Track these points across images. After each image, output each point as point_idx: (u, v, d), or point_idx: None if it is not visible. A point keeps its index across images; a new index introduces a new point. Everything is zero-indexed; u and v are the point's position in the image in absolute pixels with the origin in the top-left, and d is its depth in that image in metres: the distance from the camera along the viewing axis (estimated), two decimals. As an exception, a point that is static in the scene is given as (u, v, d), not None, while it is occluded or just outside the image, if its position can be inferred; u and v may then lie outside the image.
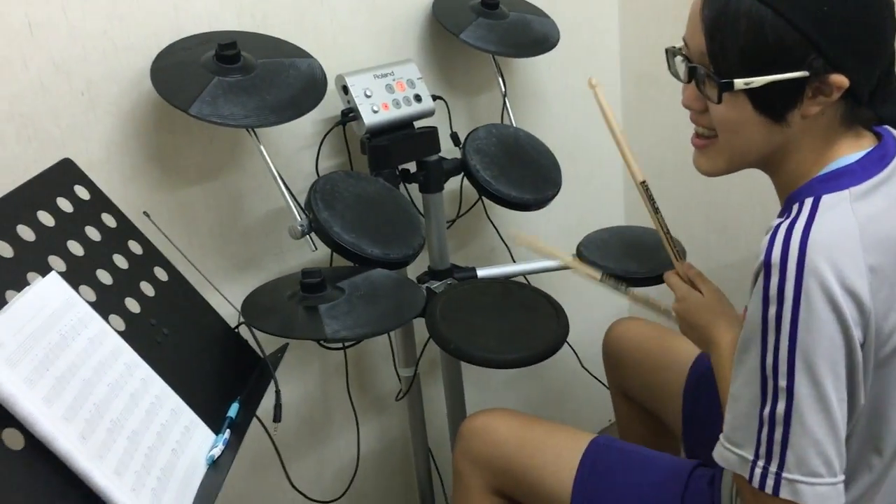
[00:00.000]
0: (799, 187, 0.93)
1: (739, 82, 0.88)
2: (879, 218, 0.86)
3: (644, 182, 1.14)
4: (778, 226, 0.87)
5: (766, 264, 0.84)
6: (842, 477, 0.85)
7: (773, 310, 0.83)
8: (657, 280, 1.45)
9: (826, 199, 0.88)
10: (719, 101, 0.91)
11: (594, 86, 1.13)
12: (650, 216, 1.16)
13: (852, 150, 0.91)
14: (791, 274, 0.82)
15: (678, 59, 0.96)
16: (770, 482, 0.85)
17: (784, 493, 0.84)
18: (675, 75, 0.98)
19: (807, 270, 0.82)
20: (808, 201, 0.88)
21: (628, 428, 1.54)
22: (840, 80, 0.86)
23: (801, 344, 0.82)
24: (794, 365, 0.83)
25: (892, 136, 0.95)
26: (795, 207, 0.89)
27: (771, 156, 0.94)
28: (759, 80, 0.87)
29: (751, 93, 0.88)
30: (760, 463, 0.86)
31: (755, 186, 1.00)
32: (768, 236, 0.86)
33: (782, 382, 0.83)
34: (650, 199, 1.14)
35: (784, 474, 0.84)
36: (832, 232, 0.84)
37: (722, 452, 0.91)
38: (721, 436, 0.91)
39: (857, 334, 0.83)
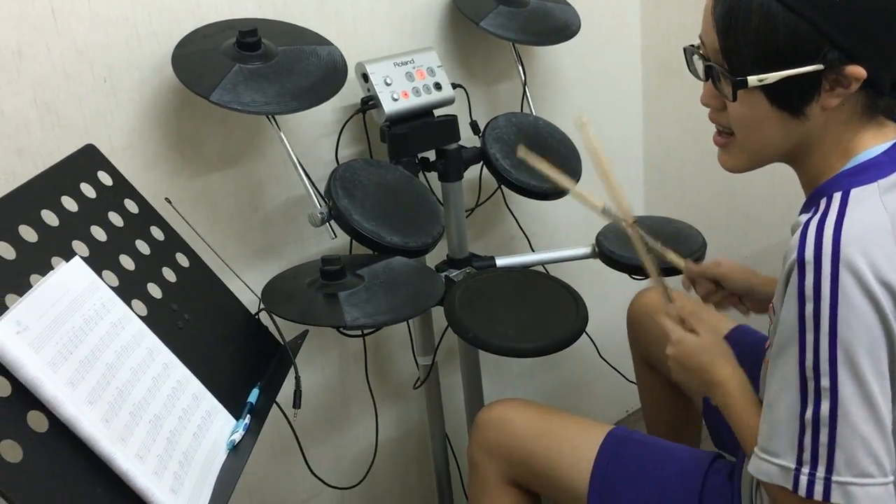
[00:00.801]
0: (825, 182, 0.91)
1: (753, 79, 0.87)
2: None
3: (636, 221, 1.13)
4: (808, 222, 0.85)
5: (800, 262, 0.83)
6: (892, 478, 0.83)
7: (809, 308, 0.82)
8: (676, 271, 1.44)
9: (855, 193, 0.86)
10: (734, 98, 0.90)
11: (584, 124, 1.10)
12: (642, 256, 1.13)
13: (877, 142, 0.90)
14: (826, 270, 0.81)
15: (696, 57, 0.96)
16: (819, 488, 0.82)
17: (835, 498, 0.82)
18: (695, 74, 0.98)
19: (842, 266, 0.80)
20: (837, 196, 0.87)
21: (652, 402, 1.54)
22: (857, 70, 0.85)
23: (842, 341, 0.80)
24: (835, 363, 0.81)
25: None
26: (823, 202, 0.88)
27: (794, 150, 0.93)
28: (773, 76, 0.86)
29: (766, 89, 0.88)
30: (805, 469, 0.84)
31: (778, 177, 0.99)
32: (798, 233, 0.85)
33: (825, 382, 0.82)
34: (642, 239, 1.13)
35: (834, 477, 0.82)
36: (864, 226, 0.83)
37: (759, 465, 0.88)
38: (756, 448, 0.89)
39: (895, 327, 0.81)
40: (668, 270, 1.39)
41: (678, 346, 1.07)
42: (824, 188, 0.91)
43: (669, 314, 1.12)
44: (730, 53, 0.89)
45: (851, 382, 0.81)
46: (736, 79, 0.88)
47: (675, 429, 1.50)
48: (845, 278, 0.80)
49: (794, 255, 0.84)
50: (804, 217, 0.88)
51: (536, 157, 1.23)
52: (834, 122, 0.90)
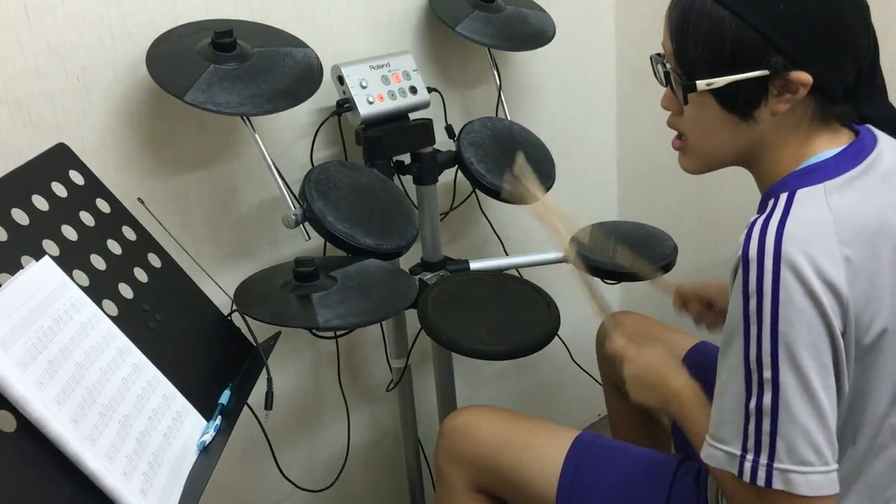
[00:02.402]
0: (775, 183, 0.94)
1: (702, 83, 0.90)
2: (855, 210, 0.88)
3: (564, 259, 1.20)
4: (754, 221, 0.88)
5: (744, 259, 0.86)
6: (834, 466, 0.85)
7: (753, 304, 0.85)
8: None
9: (801, 194, 0.89)
10: (686, 101, 0.94)
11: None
12: (585, 289, 1.21)
13: (829, 147, 0.93)
14: (768, 267, 0.84)
15: (659, 65, 0.99)
16: (762, 474, 0.86)
17: (777, 484, 0.85)
18: (659, 80, 1.01)
19: (783, 263, 0.83)
20: (783, 196, 0.90)
21: (620, 422, 1.55)
22: (802, 76, 0.87)
23: (783, 335, 0.83)
24: (777, 356, 0.84)
25: (870, 133, 0.96)
26: (771, 203, 0.91)
27: (746, 154, 0.96)
28: (721, 81, 0.90)
29: (716, 93, 0.91)
30: (750, 456, 0.87)
31: (748, 182, 1.01)
32: (745, 232, 0.88)
33: (767, 374, 0.84)
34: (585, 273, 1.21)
35: (776, 465, 0.85)
36: (807, 224, 0.86)
37: (709, 451, 0.91)
38: (707, 435, 0.92)
39: (836, 324, 0.84)
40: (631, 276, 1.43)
41: (633, 364, 1.11)
42: (773, 189, 0.93)
43: (619, 337, 1.17)
44: (682, 57, 0.92)
45: (792, 375, 0.84)
46: (686, 82, 0.91)
47: (642, 443, 1.51)
48: (786, 276, 0.83)
49: (739, 253, 0.87)
50: (754, 217, 0.90)
51: (529, 172, 1.25)
52: (784, 126, 0.92)
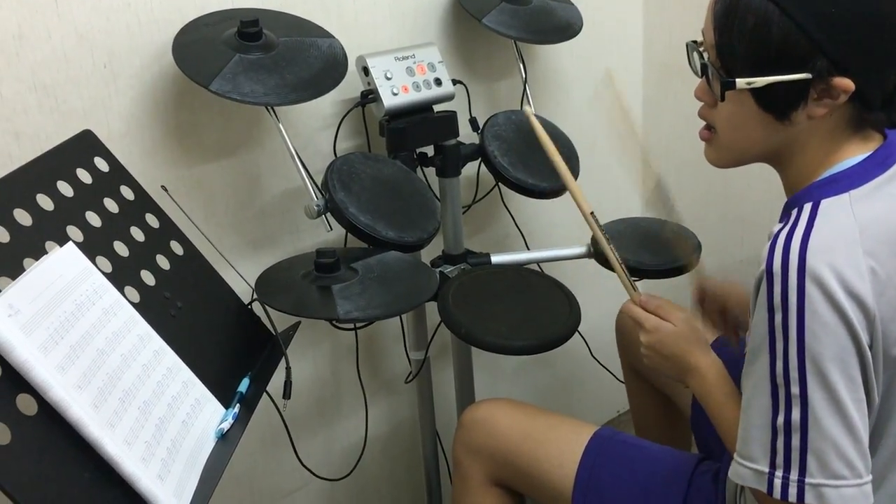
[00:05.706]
0: (799, 191, 0.92)
1: (742, 82, 0.88)
2: (880, 220, 0.86)
3: (593, 213, 1.13)
4: (778, 233, 0.86)
5: (768, 273, 0.84)
6: (868, 478, 0.84)
7: (778, 318, 0.83)
8: (670, 273, 1.45)
9: (825, 204, 0.87)
10: (723, 98, 0.91)
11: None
12: (604, 247, 1.13)
13: (857, 153, 0.91)
14: (793, 281, 0.82)
15: (695, 53, 0.96)
16: (793, 490, 0.84)
17: (809, 499, 0.83)
18: (693, 69, 0.98)
19: (808, 277, 0.81)
20: (808, 206, 0.88)
21: (641, 408, 1.54)
22: (845, 83, 0.85)
23: (810, 350, 0.82)
24: (804, 371, 0.82)
25: None
26: (794, 212, 0.89)
27: (776, 153, 0.94)
28: (761, 81, 0.87)
29: (755, 91, 0.88)
30: (779, 473, 0.85)
31: (774, 180, 1.00)
32: (768, 244, 0.86)
33: (794, 389, 0.83)
34: (601, 229, 1.13)
35: (807, 480, 0.83)
36: (832, 236, 0.84)
37: (736, 469, 0.90)
38: (735, 454, 0.90)
39: (864, 337, 0.82)
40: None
41: (654, 335, 1.07)
42: (797, 198, 0.91)
43: (637, 305, 1.11)
44: (723, 51, 0.89)
45: (820, 390, 0.82)
46: (726, 79, 0.89)
47: (663, 432, 1.50)
48: (811, 290, 0.81)
49: (763, 266, 0.85)
50: (777, 227, 0.89)
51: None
52: (819, 130, 0.90)
